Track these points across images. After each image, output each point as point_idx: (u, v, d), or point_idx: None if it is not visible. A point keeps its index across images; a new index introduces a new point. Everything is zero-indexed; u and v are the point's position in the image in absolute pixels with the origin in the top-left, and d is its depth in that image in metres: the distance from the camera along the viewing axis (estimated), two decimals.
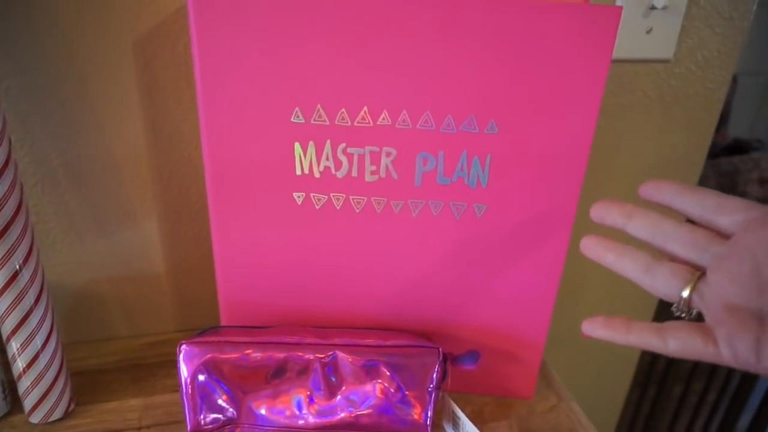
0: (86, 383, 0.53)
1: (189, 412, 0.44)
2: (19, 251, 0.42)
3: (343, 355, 0.43)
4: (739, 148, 1.30)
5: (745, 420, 1.20)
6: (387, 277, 0.47)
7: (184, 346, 0.43)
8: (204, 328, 0.47)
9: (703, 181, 0.76)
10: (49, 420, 0.48)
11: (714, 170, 1.25)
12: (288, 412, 0.45)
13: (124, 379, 0.54)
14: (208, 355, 0.43)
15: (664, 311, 0.84)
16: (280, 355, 0.43)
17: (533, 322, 0.48)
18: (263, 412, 0.45)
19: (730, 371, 1.24)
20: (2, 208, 0.41)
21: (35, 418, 0.48)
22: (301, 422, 0.45)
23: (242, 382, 0.44)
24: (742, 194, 1.27)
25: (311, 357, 0.43)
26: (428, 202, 0.43)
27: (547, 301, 0.47)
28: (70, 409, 0.49)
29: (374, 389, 0.44)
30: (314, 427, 0.45)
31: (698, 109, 0.63)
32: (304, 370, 0.44)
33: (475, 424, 0.44)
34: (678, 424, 1.25)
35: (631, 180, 0.66)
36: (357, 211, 0.44)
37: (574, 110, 0.40)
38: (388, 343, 0.44)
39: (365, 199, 0.43)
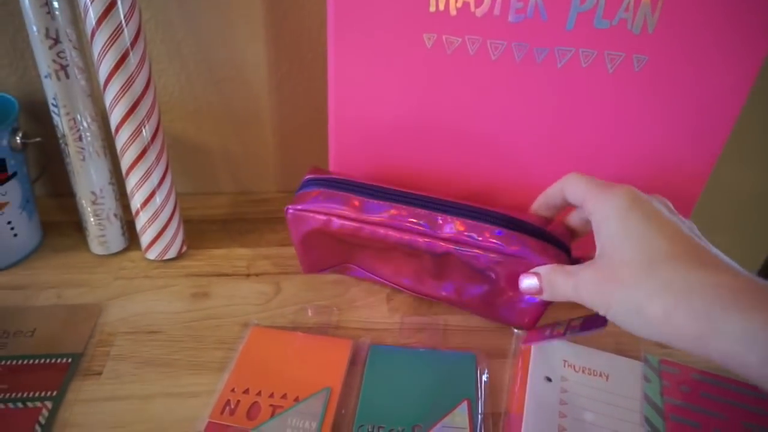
0: (195, 231, 0.53)
1: (302, 257, 0.44)
2: (138, 81, 0.41)
3: (456, 257, 0.39)
4: None
5: None
6: (517, 138, 0.42)
7: (290, 212, 0.41)
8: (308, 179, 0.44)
9: None
10: (164, 258, 0.49)
11: None
12: (394, 275, 0.44)
13: (231, 230, 0.54)
14: (316, 227, 0.41)
15: None
16: (390, 239, 0.39)
17: (679, 200, 0.43)
18: (371, 266, 0.44)
19: None
20: (122, 32, 0.39)
21: (151, 255, 0.49)
22: (406, 283, 0.44)
23: (352, 243, 0.43)
24: None
25: (422, 248, 0.39)
26: (578, 50, 0.38)
27: (698, 183, 0.42)
28: (183, 250, 0.50)
29: (482, 289, 0.41)
30: (418, 292, 0.44)
31: None
32: (414, 253, 0.41)
33: None
34: None
35: None
36: (493, 58, 0.39)
37: None
38: (509, 250, 0.37)
39: (505, 44, 0.38)
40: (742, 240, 0.75)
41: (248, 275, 0.49)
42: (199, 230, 0.54)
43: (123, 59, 0.40)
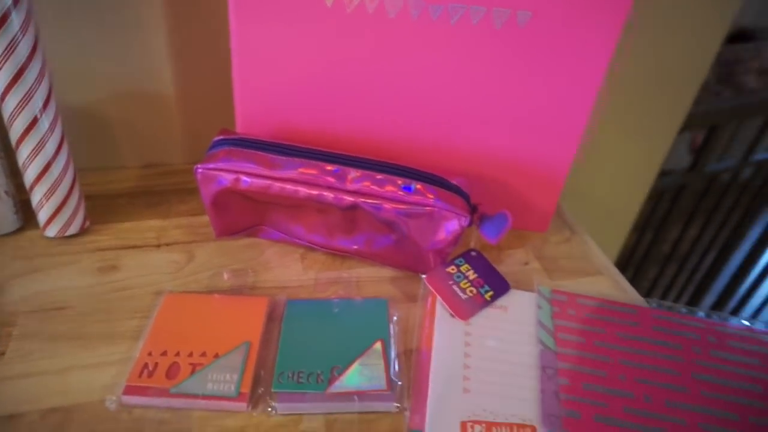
0: (99, 206, 0.51)
1: (214, 220, 0.44)
2: (23, 44, 0.39)
3: (363, 210, 0.41)
4: (744, 36, 1.25)
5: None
6: (414, 92, 0.44)
7: (199, 171, 0.42)
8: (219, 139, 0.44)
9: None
10: (65, 234, 0.47)
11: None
12: (306, 233, 0.45)
13: (138, 203, 0.53)
14: (225, 186, 0.41)
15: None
16: (299, 195, 0.41)
17: (560, 151, 0.47)
18: (283, 226, 0.45)
19: (723, 220, 1.29)
20: None
21: (51, 232, 0.47)
22: (318, 240, 0.45)
23: (262, 201, 0.43)
24: (738, 84, 1.24)
25: (331, 202, 0.41)
26: (469, 7, 0.40)
27: (576, 129, 0.46)
28: (86, 226, 0.49)
29: (391, 240, 0.43)
30: (331, 248, 0.46)
31: None
32: (324, 209, 0.42)
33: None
34: (670, 263, 1.33)
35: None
36: (391, 16, 0.41)
37: None
38: (414, 199, 0.40)
39: (401, 2, 0.40)
40: (617, 199, 0.83)
41: (159, 245, 0.48)
42: (104, 205, 0.52)
43: (3, 20, 0.37)
